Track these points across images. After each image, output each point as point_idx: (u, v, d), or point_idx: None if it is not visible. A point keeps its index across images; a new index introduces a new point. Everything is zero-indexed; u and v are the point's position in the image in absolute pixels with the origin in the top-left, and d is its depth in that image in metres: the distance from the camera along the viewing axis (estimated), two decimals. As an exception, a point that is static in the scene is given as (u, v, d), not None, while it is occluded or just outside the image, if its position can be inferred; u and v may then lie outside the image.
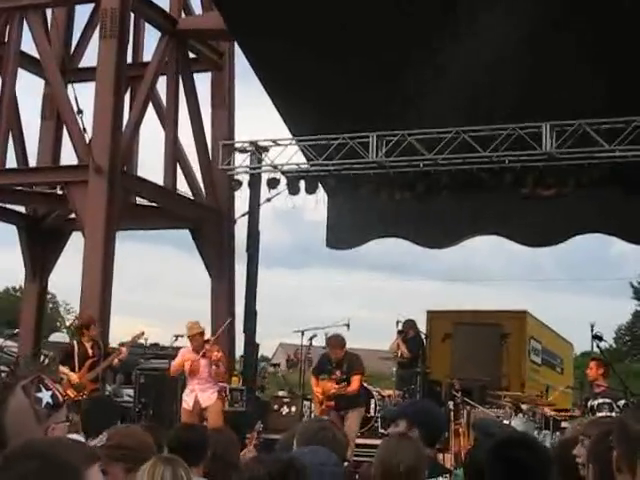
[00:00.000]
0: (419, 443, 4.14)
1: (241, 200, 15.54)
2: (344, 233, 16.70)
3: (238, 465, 4.81)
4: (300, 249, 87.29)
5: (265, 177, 14.65)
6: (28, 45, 17.90)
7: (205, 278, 18.98)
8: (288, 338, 20.50)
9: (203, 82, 19.71)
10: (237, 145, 15.28)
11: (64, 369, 11.07)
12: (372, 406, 13.11)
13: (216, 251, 18.71)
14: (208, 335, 11.77)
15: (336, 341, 10.95)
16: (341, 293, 73.51)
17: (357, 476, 5.26)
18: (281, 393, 15.02)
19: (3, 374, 14.83)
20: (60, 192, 17.88)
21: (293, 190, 14.51)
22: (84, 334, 11.26)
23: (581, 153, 12.50)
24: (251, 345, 14.43)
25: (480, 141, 13.01)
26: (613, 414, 8.99)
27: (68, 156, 18.24)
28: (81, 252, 15.96)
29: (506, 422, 10.57)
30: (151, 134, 19.93)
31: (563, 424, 11.09)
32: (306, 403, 13.16)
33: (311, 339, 13.00)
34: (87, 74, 17.93)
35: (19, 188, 18.13)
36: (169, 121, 18.17)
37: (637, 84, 12.18)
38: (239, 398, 13.42)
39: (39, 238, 19.41)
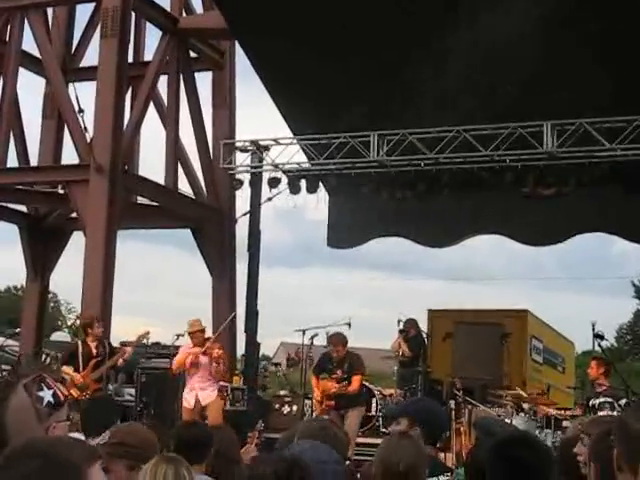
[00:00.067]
0: (419, 442, 4.15)
1: (242, 199, 15.55)
2: (345, 232, 16.71)
3: (240, 462, 4.82)
4: (301, 248, 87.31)
5: (266, 176, 14.66)
6: (29, 44, 17.92)
7: (206, 277, 19.00)
8: (289, 337, 20.49)
9: (204, 81, 19.73)
10: (238, 144, 15.28)
11: (67, 369, 11.06)
12: (373, 405, 13.12)
13: (217, 250, 18.71)
14: (209, 334, 11.78)
15: (338, 339, 10.96)
16: (342, 292, 73.53)
17: (359, 475, 5.25)
18: (282, 392, 15.02)
19: (5, 373, 14.84)
20: (61, 191, 17.88)
21: (294, 189, 14.52)
22: (88, 333, 11.27)
23: (582, 152, 12.50)
24: (252, 344, 14.44)
25: (481, 140, 13.02)
26: (614, 413, 9.00)
27: (69, 155, 18.28)
28: (82, 251, 15.97)
29: (507, 421, 10.58)
30: (152, 133, 19.88)
31: (564, 423, 11.08)
32: (307, 402, 13.15)
33: (312, 338, 12.99)
34: (88, 73, 17.92)
35: (20, 187, 18.12)
36: (170, 120, 18.16)
37: (638, 83, 12.18)
38: (240, 397, 13.42)
39: (40, 237, 19.42)
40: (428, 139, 13.36)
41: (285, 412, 13.67)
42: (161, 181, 17.85)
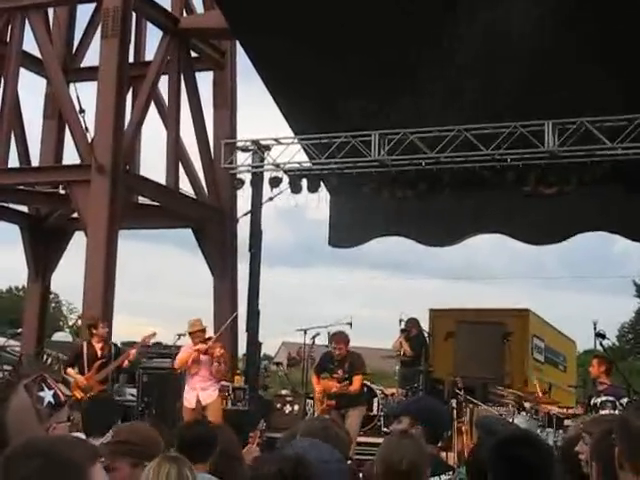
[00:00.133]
0: (421, 440, 4.14)
1: (243, 199, 15.54)
2: (346, 232, 16.71)
3: (242, 461, 4.82)
4: (302, 248, 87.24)
5: (267, 176, 14.66)
6: (30, 45, 17.93)
7: (207, 277, 19.00)
8: (291, 337, 20.48)
9: (205, 81, 19.73)
10: (239, 144, 15.28)
11: (71, 371, 11.08)
12: (375, 405, 13.12)
13: (218, 250, 18.71)
14: (210, 334, 11.77)
15: (340, 336, 10.96)
16: (343, 292, 73.41)
17: (361, 475, 5.25)
18: (284, 392, 15.01)
19: (6, 373, 14.86)
20: (62, 191, 17.89)
21: (295, 189, 14.51)
22: (93, 334, 11.26)
23: (583, 151, 12.50)
24: (254, 344, 14.44)
25: (482, 139, 13.01)
26: (616, 412, 8.99)
27: (70, 155, 18.26)
28: (83, 252, 15.97)
29: (509, 420, 10.57)
30: (153, 133, 19.88)
31: (566, 422, 11.08)
32: (309, 402, 13.15)
33: (314, 338, 13.00)
34: (89, 73, 17.93)
35: (21, 188, 18.13)
36: (171, 120, 18.16)
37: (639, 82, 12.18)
38: (242, 397, 13.42)
39: (42, 238, 19.42)
40: (429, 138, 13.36)
41: (287, 412, 13.67)
42: (162, 181, 17.85)
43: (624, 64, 12.24)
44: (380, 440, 6.12)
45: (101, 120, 16.04)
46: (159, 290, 73.64)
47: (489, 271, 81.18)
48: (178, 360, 11.25)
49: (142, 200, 18.22)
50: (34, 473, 1.95)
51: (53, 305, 43.72)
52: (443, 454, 8.90)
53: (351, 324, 12.52)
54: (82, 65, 19.54)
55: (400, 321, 14.03)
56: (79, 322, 28.08)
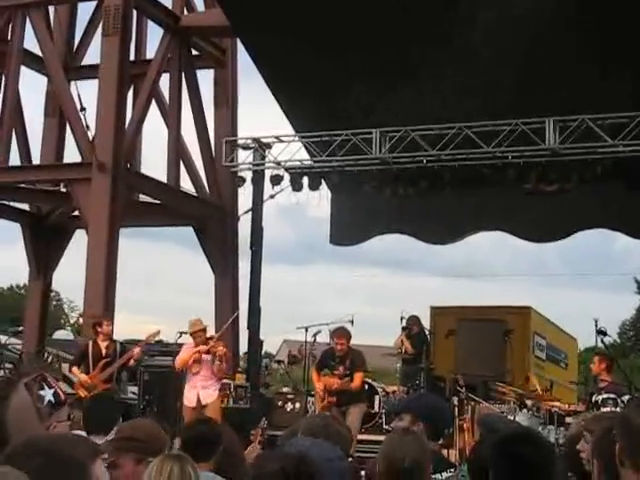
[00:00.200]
0: (423, 437, 4.14)
1: (244, 197, 15.55)
2: (347, 229, 16.72)
3: (244, 460, 4.81)
4: (303, 245, 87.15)
5: (268, 174, 14.66)
6: (31, 43, 17.91)
7: (209, 275, 18.99)
8: (292, 335, 20.50)
9: (206, 79, 19.72)
10: (240, 142, 15.29)
11: (75, 370, 11.13)
12: (376, 402, 13.11)
13: (219, 248, 18.70)
14: (211, 333, 11.77)
15: (342, 332, 10.96)
16: (345, 289, 73.47)
17: (364, 472, 5.25)
18: (285, 389, 15.01)
19: (7, 371, 14.86)
20: (63, 189, 17.89)
21: (296, 186, 14.51)
22: (98, 332, 11.27)
23: (584, 148, 12.50)
24: (255, 342, 14.44)
25: (483, 137, 13.01)
26: (617, 409, 8.99)
27: (71, 153, 18.25)
28: (85, 250, 15.97)
29: (510, 417, 10.57)
30: (154, 131, 19.86)
31: (567, 419, 11.07)
32: (310, 399, 13.15)
33: (315, 335, 13.01)
34: (90, 71, 17.91)
35: (22, 186, 18.13)
36: (172, 118, 18.15)
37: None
38: (243, 395, 13.43)
39: (43, 236, 19.41)
40: (430, 136, 13.36)
41: (288, 409, 13.66)
42: (163, 179, 17.84)
43: (626, 61, 12.23)
44: (381, 438, 6.12)
45: (102, 118, 16.04)
46: (160, 288, 73.65)
47: (490, 269, 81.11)
48: (179, 360, 11.24)
49: (143, 198, 18.21)
50: (36, 472, 1.94)
51: (54, 303, 43.73)
52: (445, 451, 8.91)
53: (352, 322, 12.50)
54: (83, 63, 19.52)
55: (401, 319, 14.04)
56: (80, 320, 28.08)
